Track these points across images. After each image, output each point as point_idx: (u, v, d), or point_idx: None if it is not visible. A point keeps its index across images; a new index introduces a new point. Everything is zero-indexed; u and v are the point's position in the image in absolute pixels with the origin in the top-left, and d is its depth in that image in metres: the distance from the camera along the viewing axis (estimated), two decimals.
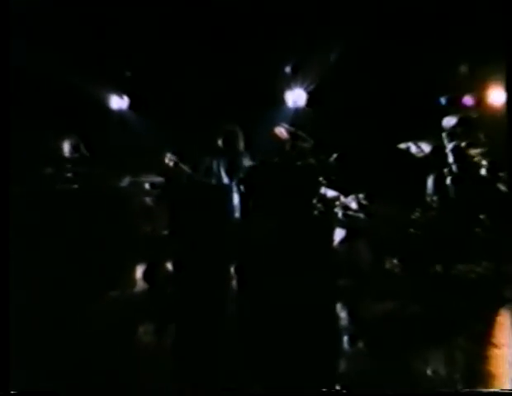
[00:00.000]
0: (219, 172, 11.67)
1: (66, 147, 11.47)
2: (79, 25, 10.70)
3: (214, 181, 11.66)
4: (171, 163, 11.57)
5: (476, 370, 8.31)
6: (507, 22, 10.52)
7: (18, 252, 9.83)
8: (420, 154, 11.86)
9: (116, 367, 8.16)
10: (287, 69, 11.56)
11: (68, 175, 11.42)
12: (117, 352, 8.52)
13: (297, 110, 11.69)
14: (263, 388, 7.82)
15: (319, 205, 11.63)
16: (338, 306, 10.35)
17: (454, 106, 11.83)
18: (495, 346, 9.02)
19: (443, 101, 11.75)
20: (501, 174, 11.68)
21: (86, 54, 10.75)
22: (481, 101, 11.84)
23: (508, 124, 11.07)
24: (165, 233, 11.48)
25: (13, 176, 10.25)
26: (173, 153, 11.60)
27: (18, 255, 9.80)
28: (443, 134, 11.84)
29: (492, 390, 6.89)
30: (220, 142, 11.71)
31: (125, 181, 11.50)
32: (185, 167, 11.57)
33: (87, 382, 7.73)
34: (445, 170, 11.81)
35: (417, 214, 11.63)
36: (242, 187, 11.55)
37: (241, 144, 11.69)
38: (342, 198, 11.64)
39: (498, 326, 9.81)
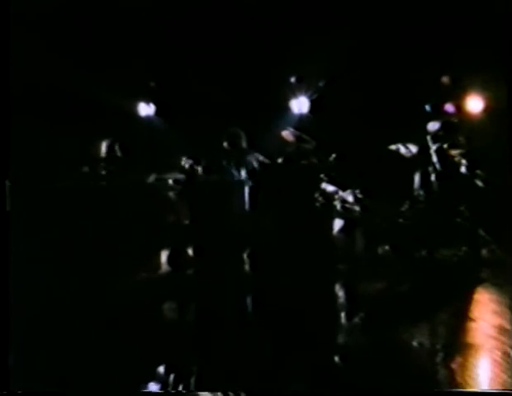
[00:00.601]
0: (232, 170, 11.75)
1: (102, 148, 11.60)
2: (111, 45, 10.96)
3: (229, 178, 11.72)
4: (187, 165, 11.61)
5: (456, 341, 8.65)
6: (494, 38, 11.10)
7: (58, 240, 10.52)
8: (408, 154, 11.94)
9: (141, 341, 8.40)
10: (293, 80, 11.64)
11: (103, 172, 11.56)
12: (143, 328, 8.81)
13: (301, 116, 11.79)
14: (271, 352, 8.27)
15: (320, 199, 11.72)
16: (337, 286, 10.58)
17: (438, 113, 11.93)
18: (473, 320, 9.41)
19: (427, 108, 11.85)
20: (478, 171, 11.88)
21: (118, 69, 10.99)
22: (460, 109, 11.96)
23: (486, 130, 11.67)
24: (186, 222, 11.55)
25: (58, 173, 10.85)
26: (189, 158, 11.59)
27: (58, 242, 10.49)
28: (428, 137, 11.97)
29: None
30: (233, 144, 11.79)
31: (152, 178, 11.62)
32: (199, 169, 11.63)
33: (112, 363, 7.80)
34: (430, 168, 11.95)
35: (406, 206, 11.79)
36: (253, 183, 11.63)
37: (252, 146, 11.78)
38: (340, 192, 11.74)
39: (475, 302, 10.14)
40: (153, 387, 7.57)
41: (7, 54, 10.40)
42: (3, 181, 9.22)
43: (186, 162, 11.68)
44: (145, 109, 11.66)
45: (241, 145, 11.82)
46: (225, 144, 11.75)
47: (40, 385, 7.43)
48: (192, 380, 7.65)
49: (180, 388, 7.53)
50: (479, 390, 7.00)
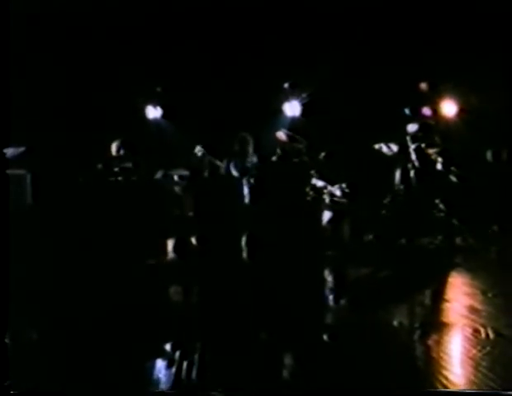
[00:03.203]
0: (233, 167, 11.79)
1: (115, 148, 11.65)
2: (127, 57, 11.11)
3: (230, 174, 11.77)
4: (199, 154, 11.63)
5: (432, 320, 8.61)
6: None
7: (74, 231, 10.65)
8: (390, 153, 12.07)
9: (150, 321, 8.33)
10: (286, 86, 11.72)
11: (116, 169, 11.62)
12: (152, 309, 8.77)
13: (294, 119, 11.87)
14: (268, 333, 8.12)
15: (311, 193, 11.85)
16: (326, 271, 10.67)
17: (416, 116, 12.05)
18: (447, 300, 9.45)
19: (407, 111, 11.98)
20: (453, 168, 12.02)
21: (129, 76, 11.03)
22: (437, 112, 12.09)
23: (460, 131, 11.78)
24: (190, 214, 11.64)
25: (75, 170, 10.99)
26: (194, 155, 11.65)
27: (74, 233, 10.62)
28: (408, 137, 12.13)
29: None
30: (234, 144, 11.83)
31: (159, 174, 11.67)
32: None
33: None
34: (409, 165, 12.11)
35: (388, 199, 11.92)
36: (251, 179, 11.67)
37: (251, 146, 11.82)
38: (329, 187, 11.83)
39: (449, 285, 10.22)
40: (160, 362, 7.44)
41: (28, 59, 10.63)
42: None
43: (190, 160, 11.72)
44: (153, 112, 11.76)
45: (242, 145, 11.87)
46: (226, 145, 11.82)
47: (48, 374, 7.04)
48: (196, 356, 7.53)
49: (185, 364, 7.40)
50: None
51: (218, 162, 11.72)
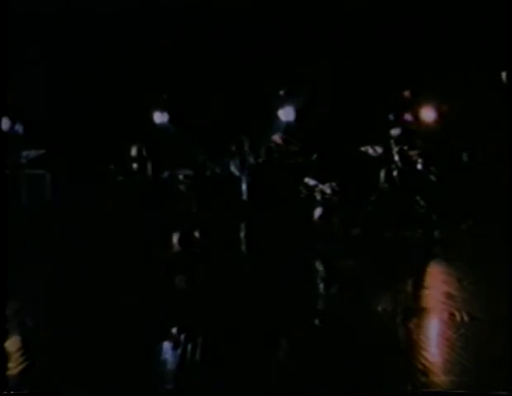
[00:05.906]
0: (233, 167, 11.94)
1: (125, 150, 11.80)
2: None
3: (230, 174, 11.92)
4: (202, 155, 11.77)
5: (413, 305, 8.60)
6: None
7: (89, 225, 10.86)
8: (375, 154, 12.29)
9: (158, 307, 8.35)
10: (282, 93, 11.93)
11: (126, 169, 11.78)
12: (159, 297, 8.83)
13: (289, 123, 12.07)
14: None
15: (303, 191, 12.04)
16: (317, 262, 10.65)
17: (399, 121, 12.27)
18: (426, 287, 9.55)
19: (391, 117, 12.20)
20: (432, 168, 12.24)
21: (140, 85, 11.30)
22: (417, 118, 12.34)
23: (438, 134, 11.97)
24: (194, 210, 11.79)
25: (92, 169, 11.23)
26: (197, 157, 11.78)
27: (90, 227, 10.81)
28: (391, 141, 12.33)
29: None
30: (233, 146, 12.00)
31: (166, 174, 11.85)
32: (205, 166, 11.83)
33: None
34: (393, 166, 12.33)
35: (373, 197, 12.11)
36: (249, 178, 11.83)
37: (248, 148, 11.98)
38: (320, 185, 12.01)
39: (429, 274, 10.30)
40: (167, 344, 7.38)
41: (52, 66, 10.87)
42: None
43: (194, 161, 11.83)
44: (160, 117, 11.93)
45: (241, 148, 11.98)
46: (226, 147, 11.93)
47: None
48: (200, 340, 7.48)
49: (189, 346, 7.35)
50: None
51: (219, 163, 11.91)
